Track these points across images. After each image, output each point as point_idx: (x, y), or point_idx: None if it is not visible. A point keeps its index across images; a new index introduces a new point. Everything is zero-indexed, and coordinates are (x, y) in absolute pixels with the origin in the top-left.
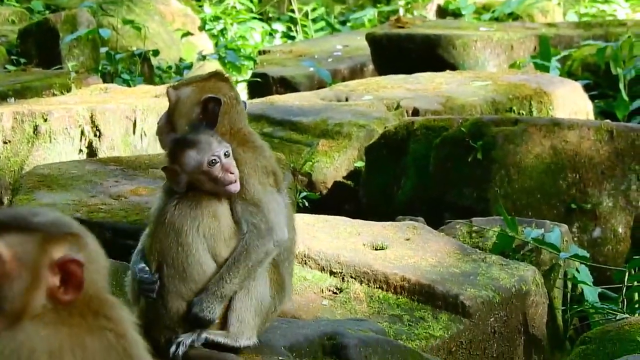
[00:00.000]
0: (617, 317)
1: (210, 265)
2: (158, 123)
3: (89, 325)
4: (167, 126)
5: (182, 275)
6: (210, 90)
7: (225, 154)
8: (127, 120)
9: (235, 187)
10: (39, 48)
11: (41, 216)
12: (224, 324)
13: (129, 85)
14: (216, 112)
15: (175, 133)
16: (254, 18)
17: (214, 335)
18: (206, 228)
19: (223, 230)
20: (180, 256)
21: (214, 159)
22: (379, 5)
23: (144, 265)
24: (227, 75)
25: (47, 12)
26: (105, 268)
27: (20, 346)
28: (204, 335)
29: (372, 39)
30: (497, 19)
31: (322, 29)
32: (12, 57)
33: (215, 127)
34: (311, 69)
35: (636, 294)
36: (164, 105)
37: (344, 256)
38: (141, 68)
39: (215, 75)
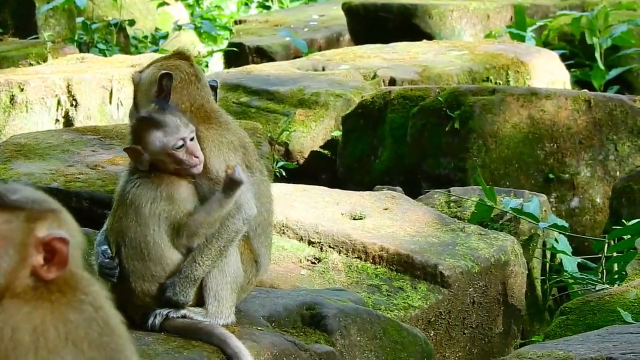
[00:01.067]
0: (597, 288)
1: (167, 246)
2: (130, 109)
3: (68, 300)
4: (134, 109)
5: (140, 255)
6: (168, 67)
7: (191, 139)
8: (104, 89)
9: (197, 169)
10: (15, 18)
11: (19, 193)
12: (198, 301)
13: (105, 55)
14: (168, 87)
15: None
16: None
17: (193, 313)
18: (161, 210)
19: (176, 214)
20: (138, 236)
21: (181, 144)
22: None
23: (106, 247)
24: (189, 53)
25: None
26: (81, 244)
27: (3, 325)
28: (183, 311)
29: (348, 9)
30: None
31: None
32: None
33: (174, 104)
34: (287, 38)
35: (615, 265)
36: None
37: (323, 226)
38: (117, 38)
39: (177, 54)
